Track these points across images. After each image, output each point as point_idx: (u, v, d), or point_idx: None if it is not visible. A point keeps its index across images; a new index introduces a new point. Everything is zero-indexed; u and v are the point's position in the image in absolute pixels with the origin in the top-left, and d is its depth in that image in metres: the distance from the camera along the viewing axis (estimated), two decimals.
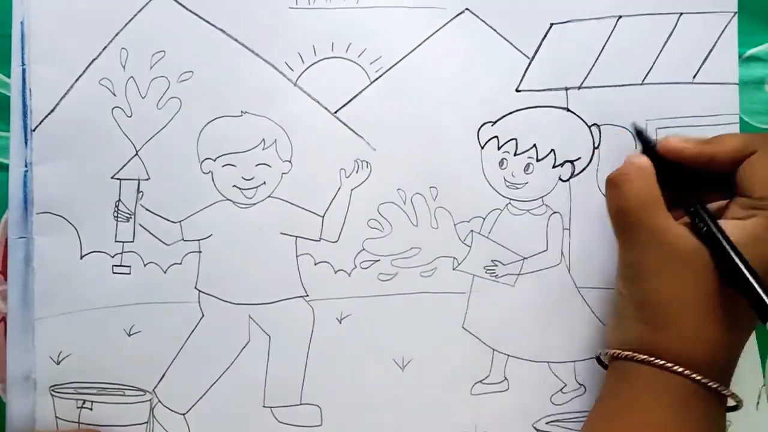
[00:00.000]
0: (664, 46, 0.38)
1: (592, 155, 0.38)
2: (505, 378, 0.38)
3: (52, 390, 0.37)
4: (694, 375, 0.30)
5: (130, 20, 0.38)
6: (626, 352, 0.32)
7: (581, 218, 0.38)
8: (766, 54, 0.39)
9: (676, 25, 0.38)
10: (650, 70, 0.38)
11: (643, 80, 0.38)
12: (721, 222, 0.31)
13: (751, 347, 0.38)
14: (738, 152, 0.32)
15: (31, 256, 0.37)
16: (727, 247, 0.30)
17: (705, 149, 0.33)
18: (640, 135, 0.36)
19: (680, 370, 0.30)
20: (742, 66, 0.38)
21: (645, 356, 0.31)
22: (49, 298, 0.37)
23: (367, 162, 0.38)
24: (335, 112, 0.38)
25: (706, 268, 0.31)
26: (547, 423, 0.38)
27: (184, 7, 0.38)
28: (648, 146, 0.35)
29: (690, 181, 0.33)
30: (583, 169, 0.38)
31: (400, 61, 0.38)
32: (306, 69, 0.38)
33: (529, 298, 0.38)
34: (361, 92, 0.38)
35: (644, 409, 0.31)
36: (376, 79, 0.38)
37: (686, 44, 0.38)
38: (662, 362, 0.31)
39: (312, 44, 0.38)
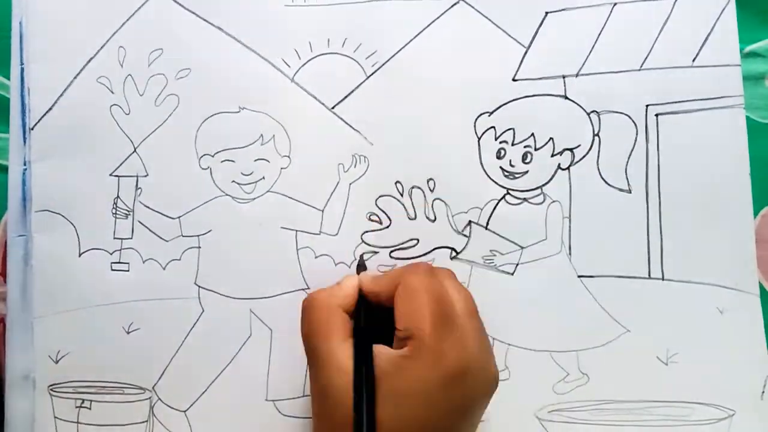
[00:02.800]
0: (661, 31, 0.36)
1: (592, 142, 0.36)
2: (506, 367, 0.36)
3: (51, 389, 0.35)
4: None
5: (128, 19, 0.36)
6: None
7: (582, 206, 0.36)
8: (766, 50, 0.37)
9: (672, 10, 0.36)
10: (648, 54, 0.36)
11: (642, 65, 0.36)
12: (380, 351, 0.28)
13: (757, 335, 0.36)
14: (391, 287, 0.30)
15: (30, 254, 0.35)
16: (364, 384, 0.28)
17: (373, 288, 0.31)
18: (358, 267, 0.35)
19: None
20: (742, 62, 0.36)
21: None
22: (48, 296, 0.35)
23: (364, 156, 0.36)
24: (332, 108, 0.36)
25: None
26: (549, 412, 0.35)
27: (181, 5, 0.36)
28: (359, 271, 0.34)
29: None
30: (583, 156, 0.36)
31: (395, 54, 0.36)
32: (303, 65, 0.36)
33: (529, 286, 0.36)
34: (357, 87, 0.36)
35: None
36: (373, 73, 0.36)
37: (684, 28, 0.36)
38: None
39: (308, 41, 0.36)
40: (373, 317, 0.30)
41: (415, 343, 0.28)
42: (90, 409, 0.35)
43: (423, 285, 0.29)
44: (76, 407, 0.35)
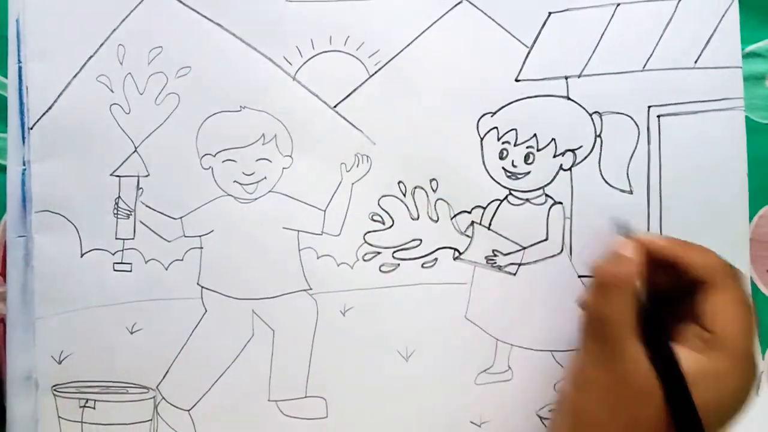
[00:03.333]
0: (664, 32, 0.36)
1: (594, 143, 0.36)
2: (509, 367, 0.36)
3: (54, 390, 0.35)
4: None
5: (127, 16, 0.35)
6: None
7: (583, 207, 0.36)
8: (766, 50, 0.36)
9: (675, 11, 0.36)
10: (651, 55, 0.36)
11: (644, 66, 0.36)
12: (678, 348, 0.28)
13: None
14: (703, 273, 0.30)
15: (31, 255, 0.35)
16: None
17: (683, 255, 0.30)
18: (624, 230, 0.33)
19: None
20: (742, 62, 0.36)
21: None
22: (49, 297, 0.35)
23: (367, 156, 0.36)
24: (335, 106, 0.36)
25: (656, 407, 0.27)
26: (550, 411, 0.35)
27: (180, 2, 0.36)
28: (626, 232, 0.32)
29: (660, 294, 0.30)
30: (585, 157, 0.36)
31: (398, 53, 0.36)
32: (304, 63, 0.36)
33: (531, 287, 0.36)
34: (360, 86, 0.36)
35: None
36: (375, 72, 0.36)
37: (687, 29, 0.36)
38: None
39: (310, 38, 0.36)
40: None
41: (730, 353, 0.28)
42: (94, 408, 0.35)
43: (740, 294, 0.29)
44: (80, 407, 0.35)
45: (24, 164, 0.35)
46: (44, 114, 0.35)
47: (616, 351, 0.28)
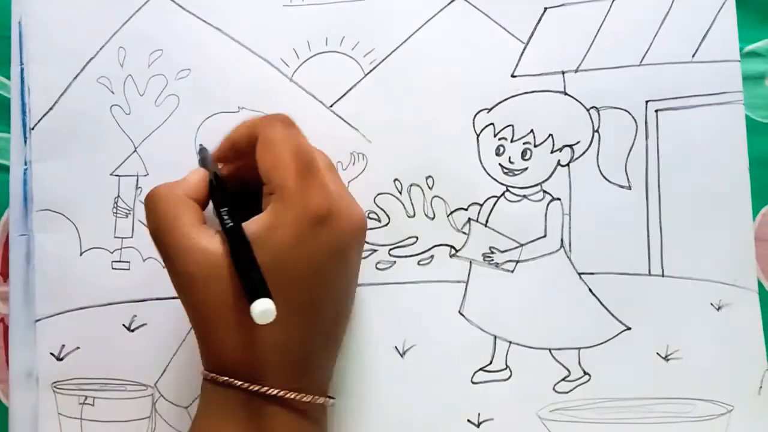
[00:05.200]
0: (661, 26, 0.35)
1: (592, 138, 0.35)
2: (507, 366, 0.34)
3: (54, 386, 0.34)
4: (223, 379, 0.27)
5: (128, 19, 0.36)
6: (206, 373, 0.29)
7: (582, 203, 0.35)
8: (766, 49, 0.35)
9: (672, 4, 0.35)
10: (648, 50, 0.35)
11: (641, 61, 0.35)
12: (248, 223, 0.27)
13: (755, 332, 0.34)
14: (248, 137, 0.29)
15: (32, 253, 0.34)
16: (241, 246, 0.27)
17: (228, 137, 0.30)
18: (201, 154, 0.32)
19: (222, 379, 0.28)
20: (742, 61, 0.35)
21: (204, 372, 0.29)
22: (49, 295, 0.34)
23: (363, 154, 0.35)
24: (330, 106, 0.35)
25: (232, 276, 0.27)
26: (551, 411, 0.34)
27: (181, 6, 0.36)
28: (203, 162, 0.32)
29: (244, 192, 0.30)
30: (583, 153, 0.35)
31: (393, 52, 0.35)
32: (301, 64, 0.35)
33: (529, 284, 0.35)
34: (355, 85, 0.35)
35: (212, 426, 0.28)
36: (370, 71, 0.35)
37: (684, 23, 0.35)
38: (208, 374, 0.28)
39: (306, 39, 0.35)
40: (233, 201, 0.29)
41: (281, 192, 0.27)
42: (93, 405, 0.34)
43: (281, 136, 0.28)
44: (80, 404, 0.34)
45: (26, 164, 0.35)
46: (46, 114, 0.35)
47: (179, 251, 0.28)
